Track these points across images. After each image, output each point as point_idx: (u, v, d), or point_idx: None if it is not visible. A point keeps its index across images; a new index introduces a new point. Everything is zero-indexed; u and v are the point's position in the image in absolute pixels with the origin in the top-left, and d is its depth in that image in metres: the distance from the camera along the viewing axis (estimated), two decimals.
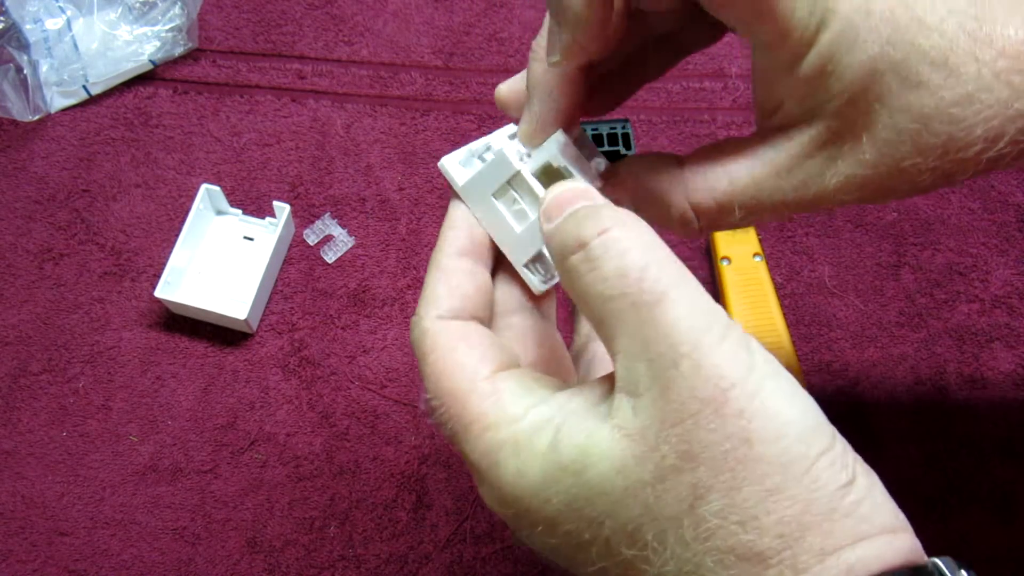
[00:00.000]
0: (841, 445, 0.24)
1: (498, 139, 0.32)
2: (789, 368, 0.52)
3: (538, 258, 0.30)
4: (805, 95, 0.27)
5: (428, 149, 0.61)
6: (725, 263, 0.55)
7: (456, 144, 0.61)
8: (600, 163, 0.30)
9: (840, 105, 0.27)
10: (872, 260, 0.58)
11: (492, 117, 0.62)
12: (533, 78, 0.30)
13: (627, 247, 0.24)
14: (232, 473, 0.52)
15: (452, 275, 0.30)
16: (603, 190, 0.29)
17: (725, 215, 0.29)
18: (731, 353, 0.23)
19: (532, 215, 0.29)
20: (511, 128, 0.32)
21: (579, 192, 0.27)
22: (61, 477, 0.52)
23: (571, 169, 0.29)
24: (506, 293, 0.31)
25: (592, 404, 0.25)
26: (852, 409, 0.54)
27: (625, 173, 0.30)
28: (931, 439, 0.53)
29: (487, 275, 0.30)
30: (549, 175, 0.29)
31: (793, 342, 0.53)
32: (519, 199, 0.29)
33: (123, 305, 0.56)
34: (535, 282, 0.31)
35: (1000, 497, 0.52)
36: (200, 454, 0.53)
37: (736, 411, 0.22)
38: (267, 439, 0.53)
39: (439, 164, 0.31)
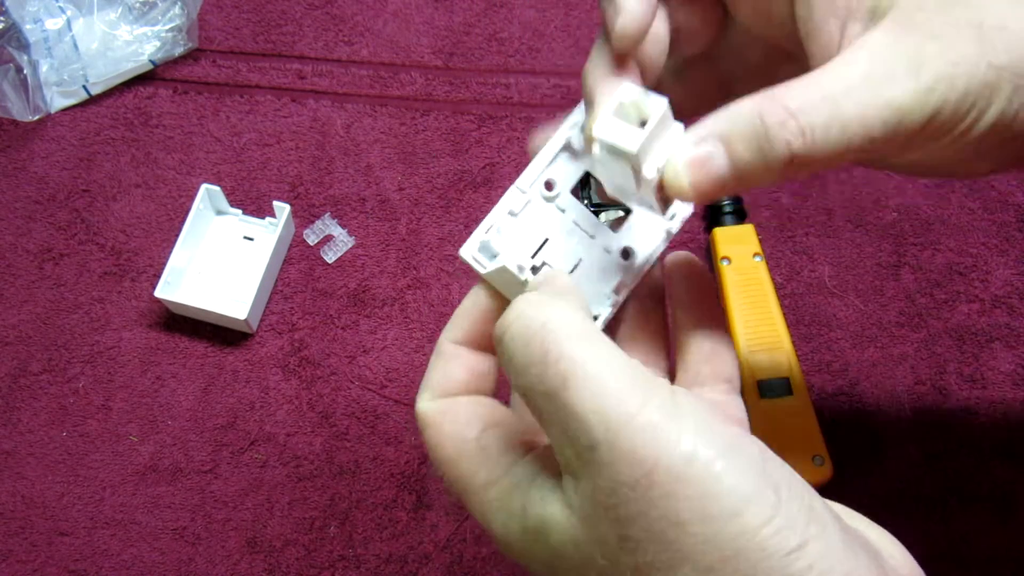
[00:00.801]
0: (788, 507, 0.23)
1: (499, 220, 0.32)
2: (789, 368, 0.52)
3: None
4: (850, 4, 0.25)
5: (428, 149, 0.61)
6: (725, 263, 0.55)
7: (456, 144, 0.61)
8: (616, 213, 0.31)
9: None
10: (872, 260, 0.58)
11: (492, 117, 0.62)
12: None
13: (528, 335, 0.24)
14: (232, 473, 0.52)
15: (448, 361, 0.31)
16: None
17: (836, 109, 0.24)
18: (649, 429, 0.22)
19: None
20: (510, 200, 0.32)
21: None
22: (61, 477, 0.52)
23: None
24: None
25: (551, 473, 0.26)
26: (852, 409, 0.54)
27: (709, 119, 0.26)
28: (931, 439, 0.53)
29: (482, 360, 0.31)
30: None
31: (793, 342, 0.53)
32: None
33: (123, 305, 0.56)
34: None
35: (1000, 497, 0.52)
36: (200, 454, 0.53)
37: (662, 494, 0.22)
38: (267, 439, 0.53)
39: (460, 255, 0.32)
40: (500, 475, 0.27)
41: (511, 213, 0.32)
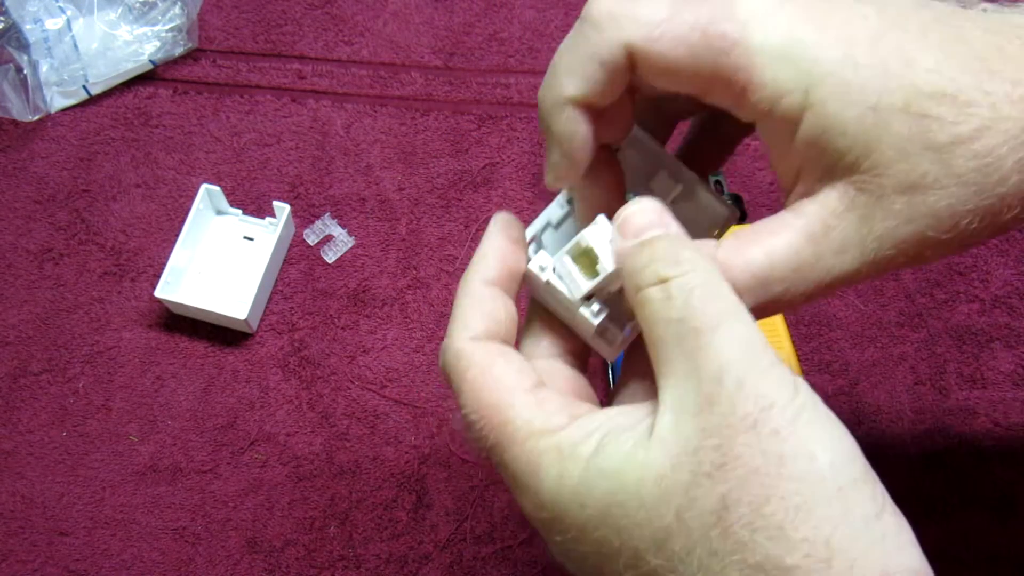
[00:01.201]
0: (874, 479, 0.25)
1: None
2: (789, 368, 0.52)
3: (604, 331, 0.30)
4: (816, 158, 0.27)
5: (428, 149, 0.61)
6: None
7: (456, 144, 0.61)
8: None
9: (853, 159, 0.26)
10: None
11: (492, 117, 0.62)
12: (568, 136, 0.29)
13: (697, 284, 0.25)
14: (232, 473, 0.52)
15: (483, 301, 0.29)
16: None
17: (768, 291, 0.27)
18: (775, 379, 0.24)
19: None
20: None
21: (653, 216, 0.27)
22: (61, 477, 0.52)
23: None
24: (537, 341, 0.32)
25: (637, 421, 0.26)
26: (852, 409, 0.54)
27: None
28: (931, 439, 0.53)
29: (513, 306, 0.30)
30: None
31: (793, 342, 0.53)
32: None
33: (123, 305, 0.56)
34: (606, 350, 0.31)
35: (1000, 497, 0.52)
36: (200, 454, 0.53)
37: (772, 430, 0.23)
38: (267, 439, 0.53)
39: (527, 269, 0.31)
40: (563, 423, 0.26)
41: (551, 224, 0.33)
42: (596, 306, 0.29)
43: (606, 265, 0.28)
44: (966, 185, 0.25)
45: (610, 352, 0.31)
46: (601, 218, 0.29)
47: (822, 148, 0.26)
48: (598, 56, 0.27)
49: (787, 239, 0.27)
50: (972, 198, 0.26)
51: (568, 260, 0.29)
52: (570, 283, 0.29)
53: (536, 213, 0.33)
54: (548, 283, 0.29)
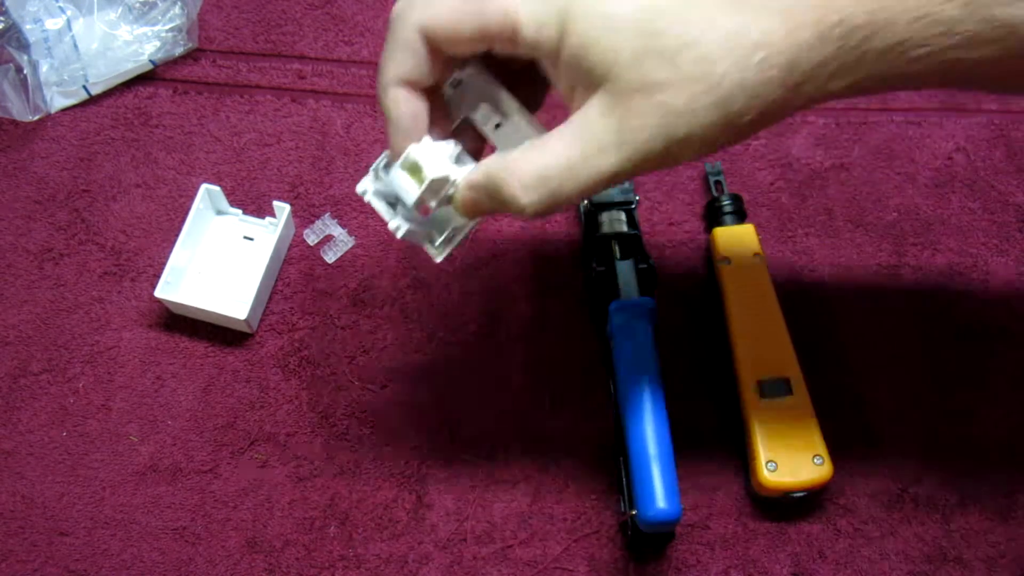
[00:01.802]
0: None
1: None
2: (789, 368, 0.52)
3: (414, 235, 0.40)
4: (576, 74, 0.33)
5: None
6: (725, 263, 0.55)
7: None
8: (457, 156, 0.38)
9: (603, 71, 0.32)
10: (872, 260, 0.58)
11: None
12: (391, 113, 0.37)
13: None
14: (232, 473, 0.52)
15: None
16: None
17: (548, 186, 0.34)
18: None
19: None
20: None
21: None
22: (61, 477, 0.52)
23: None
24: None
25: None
26: (852, 409, 0.54)
27: (474, 172, 0.36)
28: (931, 439, 0.53)
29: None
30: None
31: (793, 342, 0.53)
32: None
33: (123, 305, 0.56)
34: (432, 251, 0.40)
35: (1000, 497, 0.52)
36: (200, 454, 0.53)
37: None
38: (267, 439, 0.53)
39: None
40: None
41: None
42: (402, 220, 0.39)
43: (428, 173, 0.36)
44: (693, 81, 0.31)
45: (436, 253, 0.40)
46: (426, 138, 0.37)
47: (578, 65, 0.33)
48: (402, 41, 0.35)
49: (560, 144, 0.34)
50: (701, 96, 0.31)
51: (402, 173, 0.37)
52: (404, 191, 0.37)
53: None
54: (370, 203, 0.41)
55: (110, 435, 0.53)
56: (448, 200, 0.37)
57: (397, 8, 0.36)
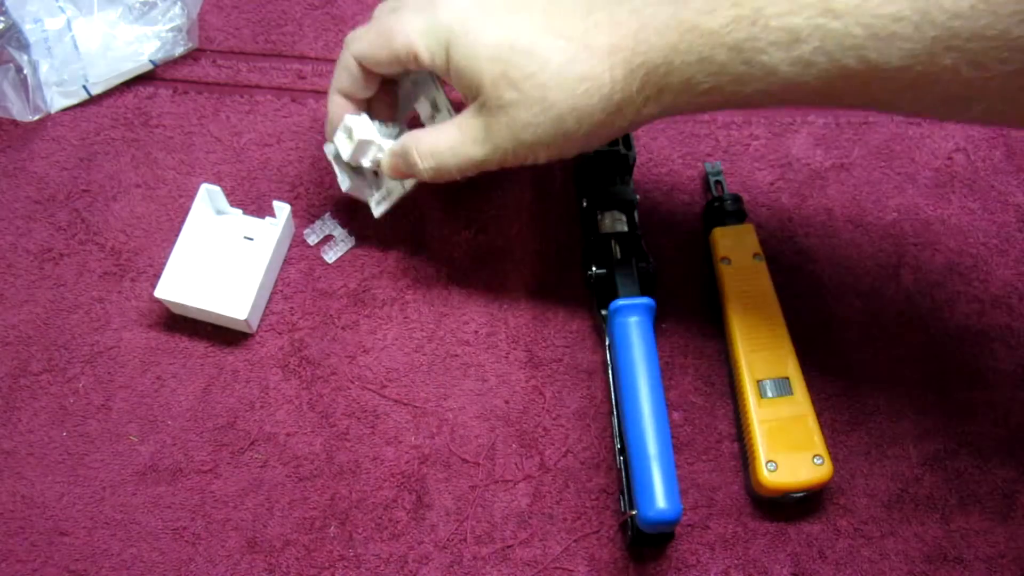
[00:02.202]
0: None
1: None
2: (789, 368, 0.52)
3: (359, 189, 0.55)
4: (463, 88, 0.45)
5: None
6: (725, 263, 0.55)
7: None
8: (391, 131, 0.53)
9: (475, 89, 0.44)
10: (872, 260, 0.58)
11: None
12: (329, 112, 0.52)
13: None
14: (232, 473, 0.52)
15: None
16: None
17: (437, 159, 0.47)
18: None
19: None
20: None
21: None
22: (61, 477, 0.52)
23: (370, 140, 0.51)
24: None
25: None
26: (852, 409, 0.54)
27: (396, 143, 0.50)
28: (931, 439, 0.53)
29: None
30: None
31: (793, 342, 0.53)
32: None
33: (123, 305, 0.56)
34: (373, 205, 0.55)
35: (1000, 497, 0.52)
36: (200, 454, 0.53)
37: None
38: (267, 439, 0.53)
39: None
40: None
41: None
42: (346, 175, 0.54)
43: (356, 136, 0.50)
44: (534, 103, 0.42)
45: (375, 208, 0.55)
46: (364, 115, 0.51)
47: (459, 82, 0.44)
48: (343, 65, 0.49)
49: (449, 131, 0.46)
50: (540, 115, 0.42)
51: (341, 135, 0.51)
52: (341, 148, 0.51)
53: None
54: (331, 164, 0.55)
55: (110, 435, 0.53)
56: (379, 164, 0.51)
57: (345, 40, 0.49)
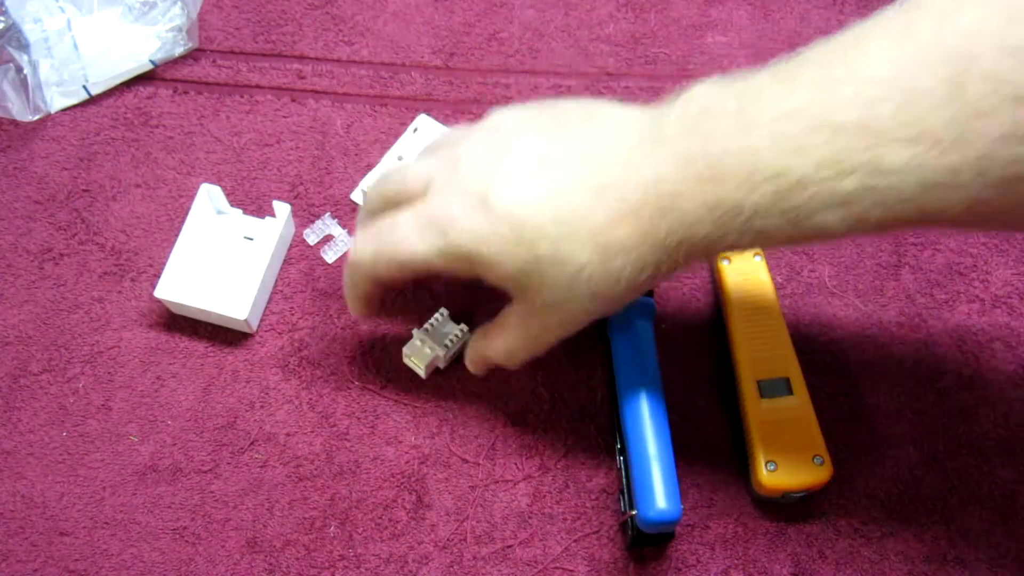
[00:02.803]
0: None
1: None
2: (789, 368, 0.52)
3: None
4: (508, 289, 0.44)
5: None
6: (725, 263, 0.55)
7: None
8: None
9: (520, 290, 0.43)
10: (872, 260, 0.58)
11: None
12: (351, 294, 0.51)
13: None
14: (232, 473, 0.52)
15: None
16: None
17: (518, 356, 0.47)
18: None
19: None
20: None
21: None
22: (61, 477, 0.52)
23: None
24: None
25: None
26: (852, 409, 0.54)
27: (472, 351, 0.51)
28: (931, 439, 0.53)
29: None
30: None
31: (793, 342, 0.53)
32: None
33: (123, 305, 0.56)
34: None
35: (1000, 497, 0.52)
36: (200, 454, 0.53)
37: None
38: (267, 439, 0.53)
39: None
40: None
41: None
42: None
43: (429, 352, 0.54)
44: (583, 300, 0.41)
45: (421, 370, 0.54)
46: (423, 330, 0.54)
47: (505, 285, 0.43)
48: (360, 284, 0.48)
49: (512, 330, 0.46)
50: (589, 303, 0.41)
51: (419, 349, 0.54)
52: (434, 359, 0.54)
53: None
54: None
55: (110, 435, 0.53)
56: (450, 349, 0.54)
57: (352, 256, 0.47)
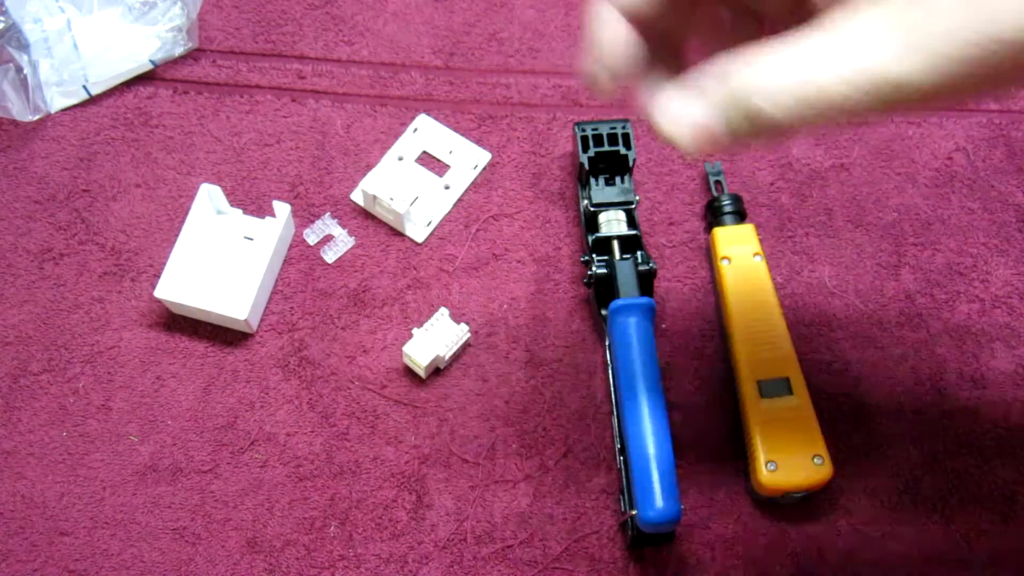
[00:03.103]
0: None
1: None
2: (789, 368, 0.52)
3: None
4: None
5: None
6: (725, 263, 0.55)
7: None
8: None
9: None
10: (872, 260, 0.58)
11: (492, 117, 0.62)
12: (597, 39, 0.31)
13: None
14: (232, 473, 0.52)
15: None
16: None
17: (813, 102, 0.26)
18: None
19: None
20: None
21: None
22: (61, 477, 0.52)
23: None
24: None
25: None
26: (852, 409, 0.54)
27: (719, 88, 0.28)
28: (931, 439, 0.53)
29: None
30: None
31: (793, 342, 0.53)
32: None
33: (123, 305, 0.56)
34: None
35: (1000, 497, 0.52)
36: (200, 454, 0.53)
37: None
38: (267, 439, 0.53)
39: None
40: None
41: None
42: None
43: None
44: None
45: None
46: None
47: None
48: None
49: (826, 41, 0.26)
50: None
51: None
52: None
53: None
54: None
55: (110, 435, 0.53)
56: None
57: None
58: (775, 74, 0.26)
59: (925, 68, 0.24)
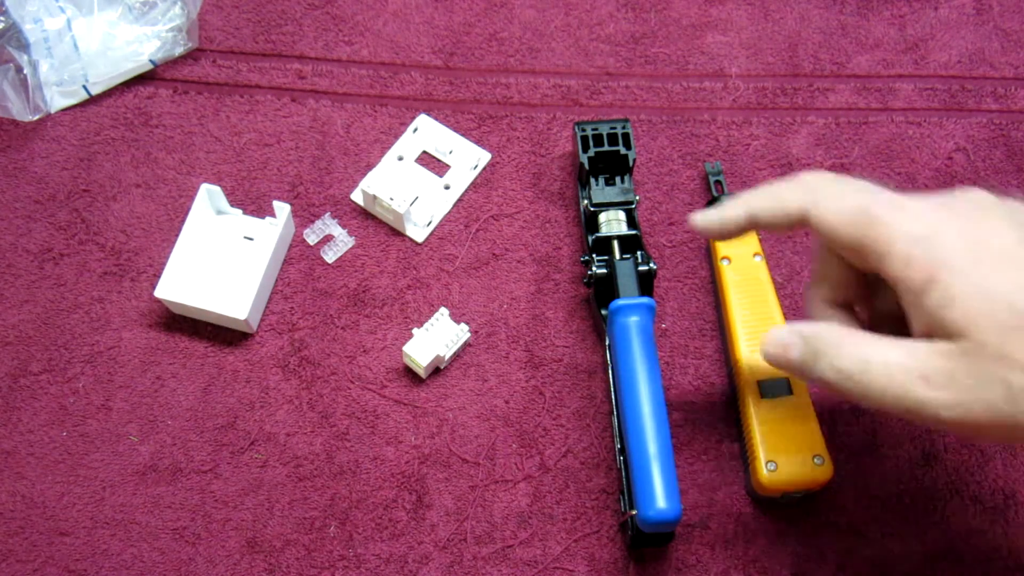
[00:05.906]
0: None
1: None
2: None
3: None
4: (925, 315, 0.35)
5: None
6: (725, 263, 0.55)
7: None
8: None
9: (955, 330, 0.33)
10: None
11: (492, 117, 0.62)
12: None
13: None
14: (232, 473, 0.52)
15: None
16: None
17: (859, 381, 0.36)
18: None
19: None
20: None
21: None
22: (61, 477, 0.52)
23: None
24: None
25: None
26: (852, 409, 0.54)
27: (801, 334, 0.39)
28: (931, 439, 0.53)
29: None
30: None
31: None
32: None
33: (123, 305, 0.56)
34: None
35: (1000, 497, 0.52)
36: (200, 454, 0.53)
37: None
38: (267, 439, 0.53)
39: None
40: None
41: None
42: None
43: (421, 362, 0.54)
44: None
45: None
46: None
47: (934, 311, 0.34)
48: (782, 204, 0.40)
49: (893, 350, 0.35)
50: None
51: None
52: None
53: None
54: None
55: (110, 435, 0.53)
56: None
57: (801, 176, 0.41)
58: (850, 354, 0.36)
59: (950, 410, 0.34)
